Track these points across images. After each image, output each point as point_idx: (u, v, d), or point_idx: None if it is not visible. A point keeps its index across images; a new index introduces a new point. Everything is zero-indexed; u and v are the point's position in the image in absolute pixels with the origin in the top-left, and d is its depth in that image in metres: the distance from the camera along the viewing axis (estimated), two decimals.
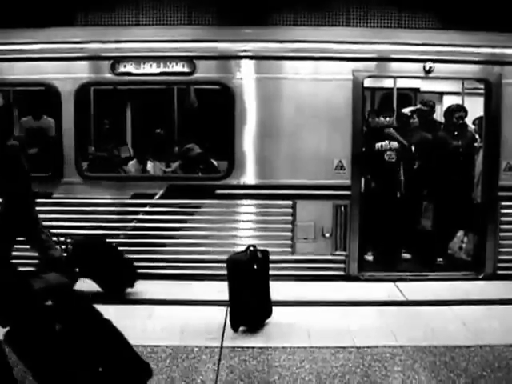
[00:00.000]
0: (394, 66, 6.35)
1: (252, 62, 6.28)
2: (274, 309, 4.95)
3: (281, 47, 6.29)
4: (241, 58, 6.25)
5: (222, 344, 4.48)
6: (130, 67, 6.27)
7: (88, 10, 6.45)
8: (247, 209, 6.35)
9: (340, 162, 6.29)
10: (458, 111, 6.96)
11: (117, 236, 6.35)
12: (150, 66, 6.27)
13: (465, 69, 6.36)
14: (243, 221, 6.37)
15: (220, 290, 5.15)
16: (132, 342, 4.21)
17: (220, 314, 5.05)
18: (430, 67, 6.26)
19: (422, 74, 6.36)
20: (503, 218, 6.43)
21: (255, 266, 4.74)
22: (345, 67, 6.24)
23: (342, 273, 6.45)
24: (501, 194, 6.41)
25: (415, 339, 4.55)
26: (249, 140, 6.28)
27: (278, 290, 5.25)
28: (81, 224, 6.35)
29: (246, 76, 6.25)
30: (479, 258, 6.55)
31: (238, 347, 4.41)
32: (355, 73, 6.24)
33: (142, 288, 5.76)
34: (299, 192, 6.32)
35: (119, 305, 5.25)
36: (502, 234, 6.45)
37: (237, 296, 4.75)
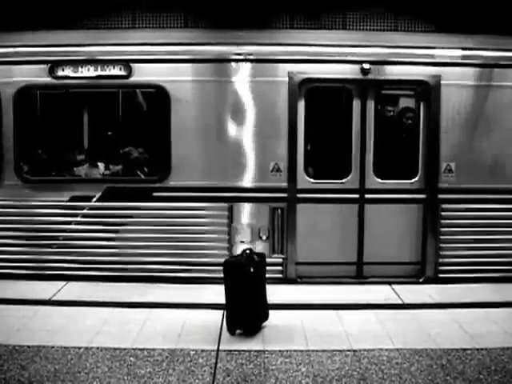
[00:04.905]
0: (331, 67, 6.28)
1: (187, 65, 6.32)
2: (271, 312, 5.10)
3: (217, 50, 6.35)
4: (176, 61, 6.26)
5: (218, 347, 4.60)
6: (68, 71, 6.25)
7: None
8: (184, 211, 6.32)
9: (276, 164, 6.25)
10: (408, 113, 6.76)
11: (56, 238, 6.32)
12: (88, 69, 6.24)
13: (403, 70, 6.31)
14: (180, 223, 6.35)
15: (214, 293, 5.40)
16: (128, 345, 4.51)
17: (217, 317, 5.18)
18: (366, 68, 6.18)
19: (360, 76, 6.23)
20: (443, 221, 6.33)
21: (251, 269, 4.85)
22: (280, 69, 6.18)
23: (280, 275, 6.41)
24: (440, 196, 6.29)
25: (412, 342, 4.68)
26: (185, 143, 6.31)
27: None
28: (20, 226, 6.38)
29: (181, 79, 6.31)
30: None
31: (234, 350, 4.53)
32: (291, 74, 6.17)
33: None
34: (236, 194, 6.39)
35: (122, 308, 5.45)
36: (442, 237, 6.35)
37: (233, 299, 4.87)
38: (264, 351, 4.47)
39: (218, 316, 5.17)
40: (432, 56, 6.31)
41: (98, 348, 4.47)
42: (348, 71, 6.32)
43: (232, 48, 6.30)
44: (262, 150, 6.31)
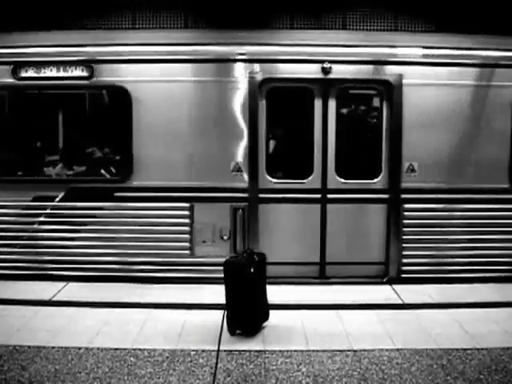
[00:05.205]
0: (292, 66, 6.26)
1: (148, 65, 6.31)
2: (271, 312, 5.13)
3: (169, 50, 6.33)
4: (136, 61, 6.25)
5: (218, 347, 4.62)
6: (30, 72, 6.29)
7: None
8: (146, 211, 6.33)
9: (237, 164, 6.23)
10: (371, 113, 6.75)
11: (20, 238, 6.37)
12: (51, 70, 6.27)
13: (364, 69, 6.27)
14: (142, 223, 6.35)
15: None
16: (128, 345, 4.53)
17: (217, 317, 5.20)
18: (326, 67, 6.15)
19: (321, 75, 6.21)
20: (406, 221, 6.28)
21: (252, 270, 4.87)
22: (240, 69, 6.17)
23: None
24: (403, 196, 6.26)
25: (412, 342, 4.70)
26: (147, 143, 6.30)
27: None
28: None
29: (143, 79, 6.29)
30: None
31: (234, 351, 4.56)
32: (251, 74, 6.16)
33: None
34: (197, 194, 6.38)
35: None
36: (405, 237, 6.29)
37: (233, 299, 4.89)
38: (264, 351, 4.50)
39: (218, 316, 5.19)
40: (394, 55, 6.30)
41: (98, 348, 4.49)
42: (309, 71, 6.31)
43: (187, 48, 6.27)
44: (223, 149, 6.31)
